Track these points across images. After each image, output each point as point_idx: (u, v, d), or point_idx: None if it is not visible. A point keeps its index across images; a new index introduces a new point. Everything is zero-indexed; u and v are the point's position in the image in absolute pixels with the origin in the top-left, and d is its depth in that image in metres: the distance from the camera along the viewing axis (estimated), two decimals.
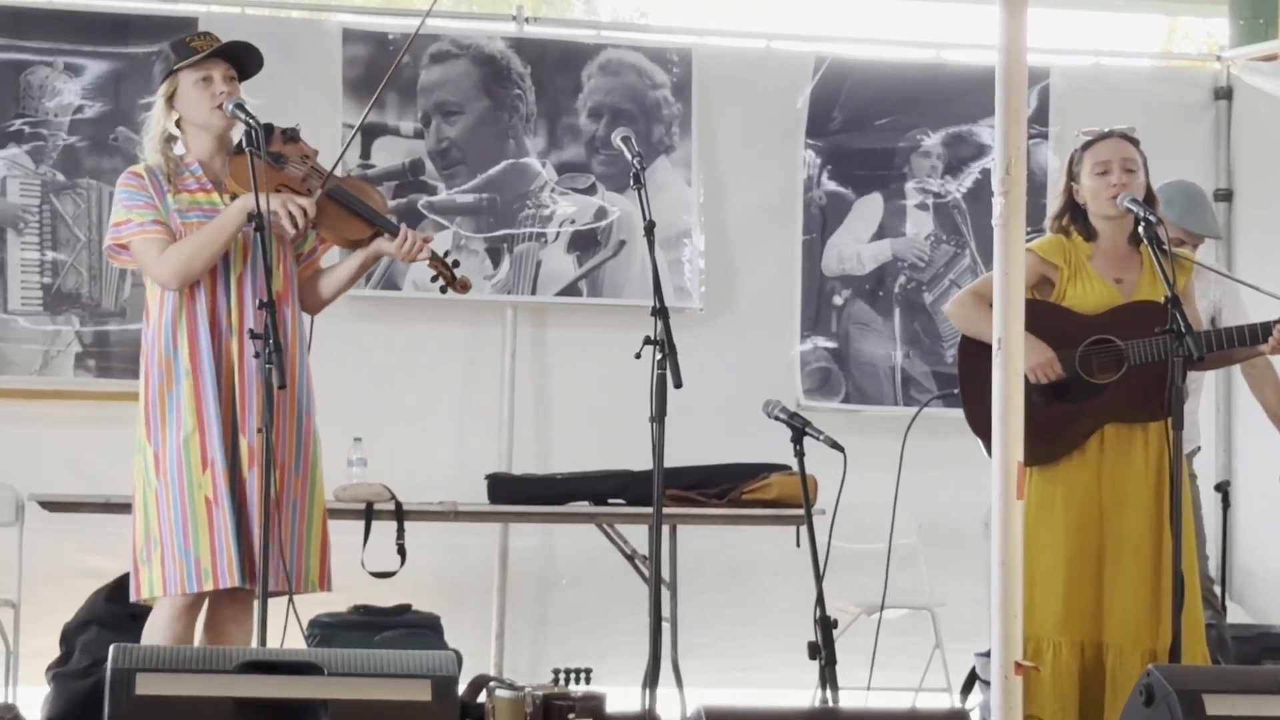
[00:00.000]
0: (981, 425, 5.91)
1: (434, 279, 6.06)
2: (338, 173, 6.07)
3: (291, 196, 5.77)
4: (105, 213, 6.01)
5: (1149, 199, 6.17)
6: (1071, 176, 6.28)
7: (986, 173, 8.87)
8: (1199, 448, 7.51)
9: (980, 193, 8.95)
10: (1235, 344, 6.12)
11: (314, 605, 7.48)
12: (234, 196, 5.79)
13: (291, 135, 5.94)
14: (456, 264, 6.07)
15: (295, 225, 5.74)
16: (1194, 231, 7.32)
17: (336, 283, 6.06)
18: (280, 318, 5.68)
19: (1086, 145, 6.25)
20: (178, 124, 5.85)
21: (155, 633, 5.73)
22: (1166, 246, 5.97)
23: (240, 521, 5.69)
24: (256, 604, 5.55)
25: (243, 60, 5.93)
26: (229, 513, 5.65)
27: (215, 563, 5.64)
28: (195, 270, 5.71)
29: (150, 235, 5.75)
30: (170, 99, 5.85)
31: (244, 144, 5.70)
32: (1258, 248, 9.25)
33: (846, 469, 5.95)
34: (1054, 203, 6.38)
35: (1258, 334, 6.10)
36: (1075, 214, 6.25)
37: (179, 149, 5.87)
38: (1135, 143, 6.24)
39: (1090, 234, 6.22)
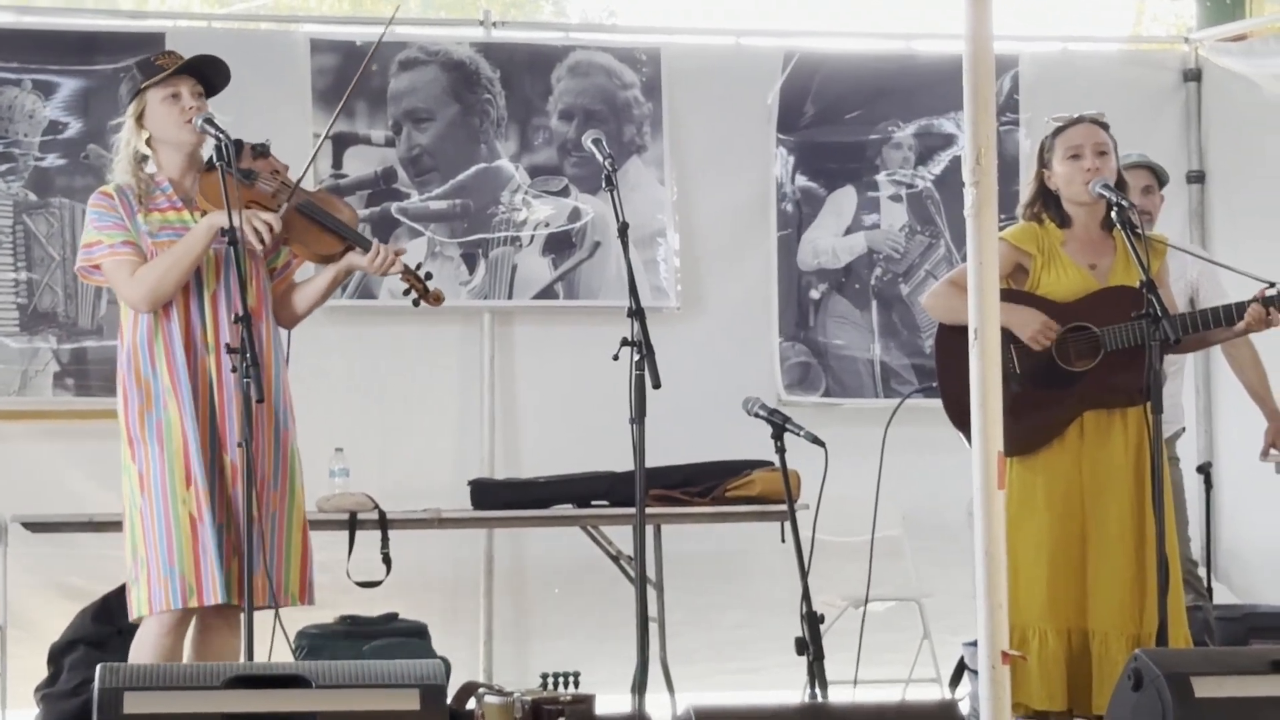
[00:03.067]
0: (961, 417, 5.92)
1: (406, 292, 6.05)
2: (309, 187, 6.06)
3: (256, 213, 5.77)
4: (79, 231, 6.01)
5: (1119, 183, 6.19)
6: (1043, 163, 6.29)
7: (958, 161, 8.87)
8: (1183, 429, 7.52)
9: (953, 182, 8.95)
10: (1211, 325, 6.14)
11: (300, 617, 7.48)
12: (205, 214, 5.78)
13: (261, 150, 5.94)
14: (429, 276, 6.06)
15: (261, 241, 5.74)
16: (1152, 164, 7.34)
17: (310, 297, 6.06)
18: (255, 332, 5.66)
19: (1057, 131, 6.27)
20: (148, 143, 5.85)
21: (144, 650, 5.73)
22: (1140, 231, 5.99)
23: (224, 538, 5.69)
24: (243, 618, 5.54)
25: (209, 75, 5.93)
26: (211, 530, 5.65)
27: (200, 579, 5.65)
28: (166, 291, 5.72)
29: (121, 257, 5.76)
30: (139, 118, 5.85)
31: (214, 159, 5.69)
32: (1231, 228, 9.26)
33: (828, 463, 5.96)
34: (1026, 190, 6.39)
35: (1232, 314, 6.12)
36: (1048, 201, 6.26)
37: (150, 168, 5.87)
38: (1105, 127, 6.26)
39: (1063, 220, 6.23)
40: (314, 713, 4.68)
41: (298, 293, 6.06)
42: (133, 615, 5.77)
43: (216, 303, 5.81)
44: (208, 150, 5.88)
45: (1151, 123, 9.24)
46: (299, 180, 6.01)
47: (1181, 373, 7.50)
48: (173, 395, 5.72)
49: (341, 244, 5.96)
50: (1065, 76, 9.17)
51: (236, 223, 5.58)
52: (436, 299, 6.06)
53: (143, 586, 5.70)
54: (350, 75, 8.35)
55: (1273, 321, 6.09)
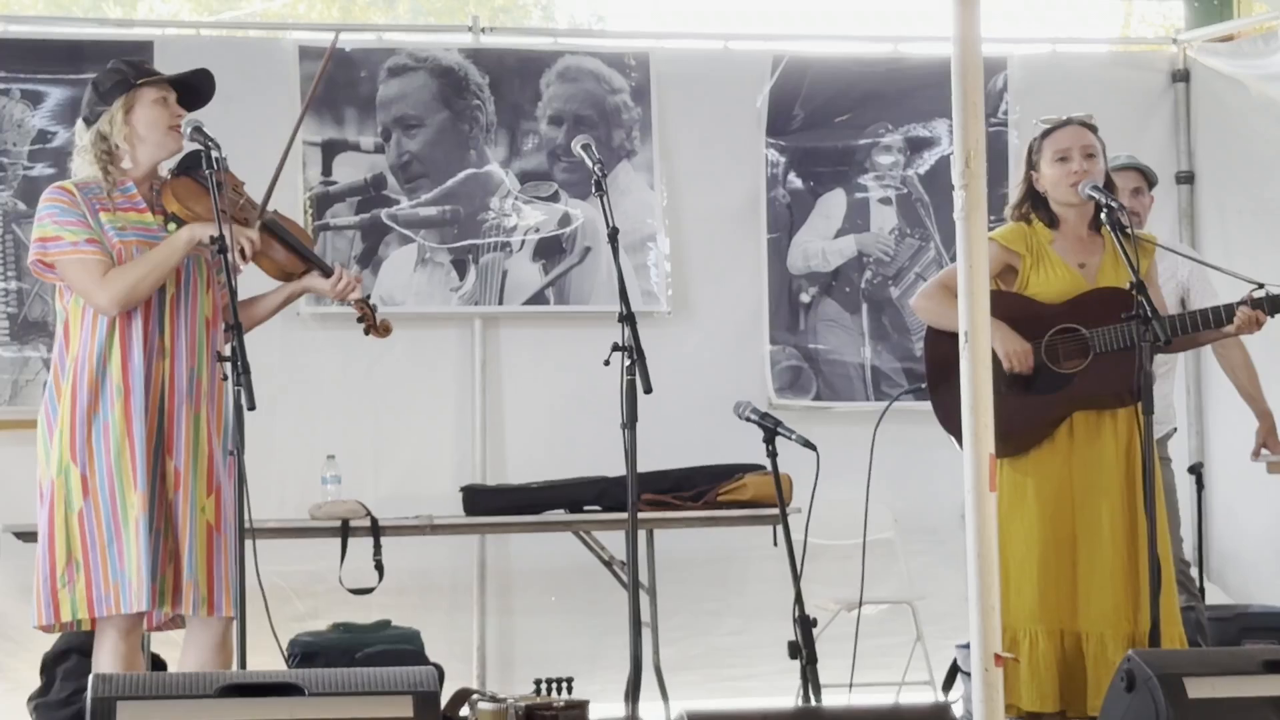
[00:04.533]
0: (950, 419, 5.92)
1: (359, 319, 6.11)
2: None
3: (239, 229, 5.75)
4: None
5: (1108, 185, 6.19)
6: (1031, 165, 6.29)
7: (947, 163, 8.88)
8: (1174, 429, 7.53)
9: (942, 184, 8.95)
10: (1201, 327, 6.15)
11: (293, 624, 7.49)
12: (169, 216, 5.76)
13: (221, 165, 5.92)
14: (375, 307, 6.12)
15: (244, 257, 5.74)
16: (1141, 166, 7.39)
17: (261, 313, 6.08)
18: (211, 340, 5.73)
19: (1045, 133, 6.28)
20: (126, 139, 5.82)
21: (104, 658, 5.70)
22: (1130, 231, 5.99)
23: (161, 544, 5.65)
24: (235, 627, 5.51)
25: (197, 88, 5.93)
26: (147, 535, 5.61)
27: (140, 584, 5.61)
28: (139, 296, 5.68)
29: (86, 255, 5.69)
30: (128, 112, 5.82)
31: (200, 163, 5.67)
32: (1220, 228, 9.28)
33: (820, 466, 5.96)
34: (1014, 192, 6.39)
35: (1221, 316, 6.13)
36: (1036, 202, 6.27)
37: (124, 163, 5.84)
38: (1094, 129, 6.27)
39: (1052, 221, 6.24)
40: None
41: (252, 307, 6.05)
42: (61, 619, 5.68)
43: (175, 308, 5.78)
44: (168, 161, 5.90)
45: (1141, 124, 9.26)
46: (267, 196, 6.01)
47: (1173, 373, 7.51)
48: (123, 396, 5.67)
49: (304, 264, 6.01)
50: (1054, 78, 9.18)
51: (224, 230, 5.56)
52: (385, 330, 6.13)
53: (80, 589, 5.63)
54: (340, 82, 8.40)
55: (1261, 322, 6.11)
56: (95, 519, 5.66)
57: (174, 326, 5.77)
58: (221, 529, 5.72)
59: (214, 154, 5.62)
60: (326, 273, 5.99)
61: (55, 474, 5.72)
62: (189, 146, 5.82)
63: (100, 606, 5.64)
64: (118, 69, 5.87)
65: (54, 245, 5.72)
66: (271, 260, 5.95)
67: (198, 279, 5.82)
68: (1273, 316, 6.14)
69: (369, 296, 6.17)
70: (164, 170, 5.93)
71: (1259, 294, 6.09)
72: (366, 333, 6.12)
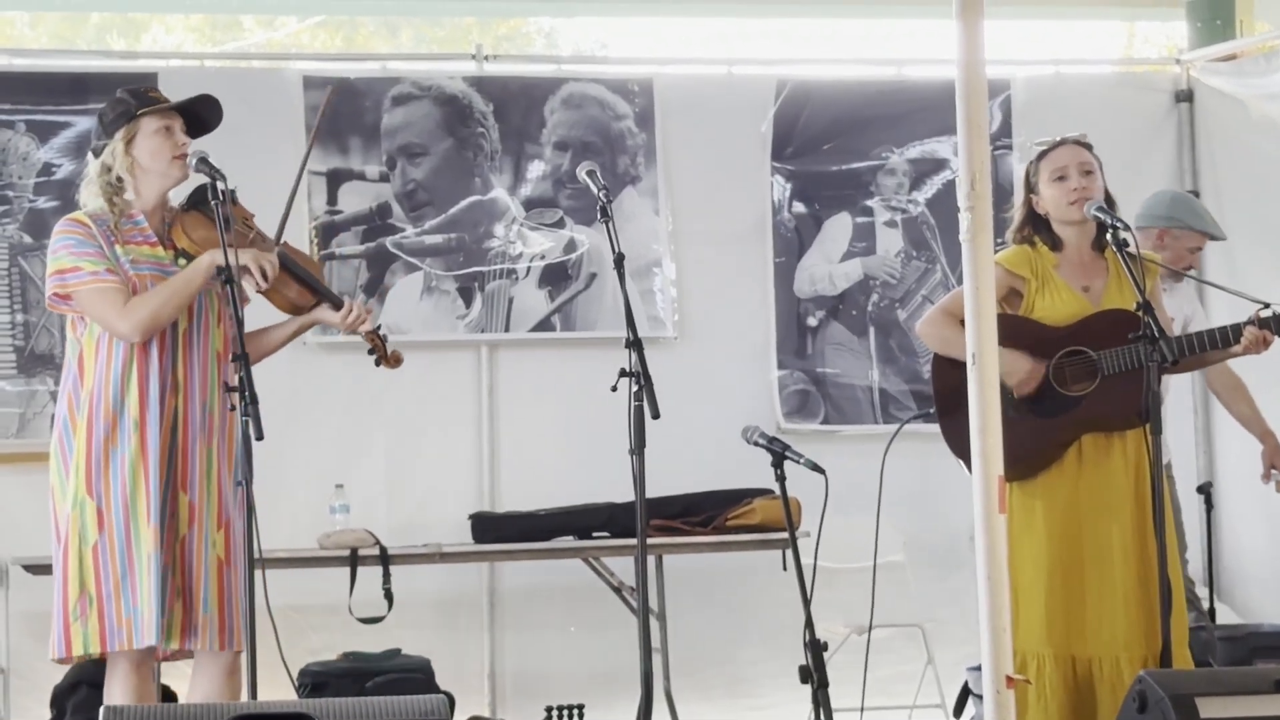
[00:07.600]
0: (959, 443, 5.91)
1: (370, 351, 6.11)
2: (303, 221, 6.06)
3: (262, 253, 5.76)
4: None
5: (1108, 201, 6.16)
6: (1030, 188, 6.27)
7: (952, 185, 8.87)
8: (1169, 462, 7.51)
9: (948, 206, 8.95)
10: (1208, 347, 6.11)
11: (304, 654, 7.48)
12: (179, 251, 5.76)
13: (230, 198, 5.89)
14: (386, 338, 6.12)
15: (265, 278, 5.73)
16: (1213, 234, 7.42)
17: (270, 345, 6.06)
18: (222, 374, 5.71)
19: (1042, 155, 6.26)
20: (130, 169, 5.80)
21: (116, 691, 5.69)
22: (1135, 251, 5.96)
23: (168, 580, 5.62)
24: (245, 658, 5.50)
25: (203, 115, 5.92)
26: (157, 571, 5.59)
27: (150, 618, 5.59)
28: (161, 323, 5.69)
29: (106, 284, 5.68)
30: (129, 143, 5.81)
31: (208, 196, 5.67)
32: (1225, 248, 9.23)
33: (829, 490, 5.96)
34: (1015, 216, 6.36)
35: (1229, 336, 6.09)
36: (1037, 225, 6.25)
37: (127, 195, 5.82)
38: (1089, 147, 6.25)
39: (1055, 243, 6.21)
40: None
41: (257, 340, 6.01)
42: (73, 653, 5.66)
43: (189, 341, 5.78)
44: (178, 193, 5.88)
45: (1145, 144, 9.25)
46: (281, 225, 6.02)
47: (1168, 393, 7.49)
48: (139, 430, 5.67)
49: (314, 297, 6.00)
50: (1058, 99, 9.17)
51: (233, 261, 5.56)
52: (396, 360, 6.14)
53: (93, 622, 5.61)
54: (345, 111, 8.41)
55: (1269, 342, 6.08)
56: (110, 553, 5.64)
57: (187, 361, 5.76)
58: (232, 562, 5.70)
59: (220, 185, 5.62)
60: (336, 305, 5.97)
61: (71, 508, 5.70)
62: (197, 178, 5.80)
63: (112, 641, 5.63)
64: (122, 99, 5.86)
65: (73, 276, 5.72)
66: (282, 295, 5.93)
67: (209, 313, 5.82)
68: None
69: (380, 327, 6.15)
70: (175, 201, 5.92)
71: (1266, 313, 6.06)
72: (378, 364, 6.12)
